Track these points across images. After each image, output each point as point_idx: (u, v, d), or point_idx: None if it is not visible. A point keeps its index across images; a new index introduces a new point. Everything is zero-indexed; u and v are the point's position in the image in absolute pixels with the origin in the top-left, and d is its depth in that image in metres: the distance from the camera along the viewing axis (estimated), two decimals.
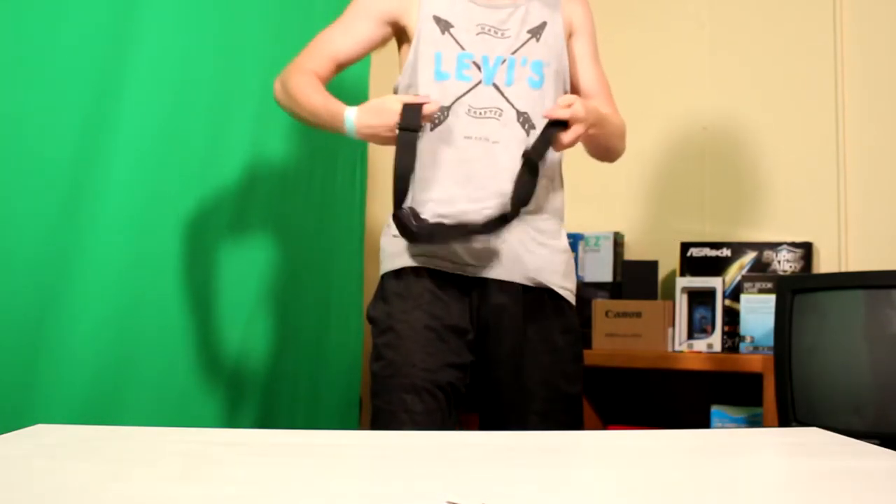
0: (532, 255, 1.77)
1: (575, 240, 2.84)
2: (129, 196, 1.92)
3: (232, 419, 2.22)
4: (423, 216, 1.70)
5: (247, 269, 2.27)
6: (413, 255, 1.75)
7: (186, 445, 1.18)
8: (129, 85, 1.91)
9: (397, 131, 1.65)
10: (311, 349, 2.54)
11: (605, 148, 1.85)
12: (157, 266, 2.00)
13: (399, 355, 1.70)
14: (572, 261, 1.88)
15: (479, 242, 1.73)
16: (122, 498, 0.86)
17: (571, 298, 1.84)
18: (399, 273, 1.76)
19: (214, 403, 2.18)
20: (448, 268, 1.74)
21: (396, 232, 1.74)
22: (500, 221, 1.69)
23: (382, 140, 1.69)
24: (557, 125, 1.67)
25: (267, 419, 2.33)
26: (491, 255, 1.74)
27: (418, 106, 1.65)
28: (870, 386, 2.06)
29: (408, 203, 1.71)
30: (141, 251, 1.96)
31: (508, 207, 1.69)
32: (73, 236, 1.80)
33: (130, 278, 1.93)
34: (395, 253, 1.78)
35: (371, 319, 1.79)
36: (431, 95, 1.73)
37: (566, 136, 1.66)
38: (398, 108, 1.65)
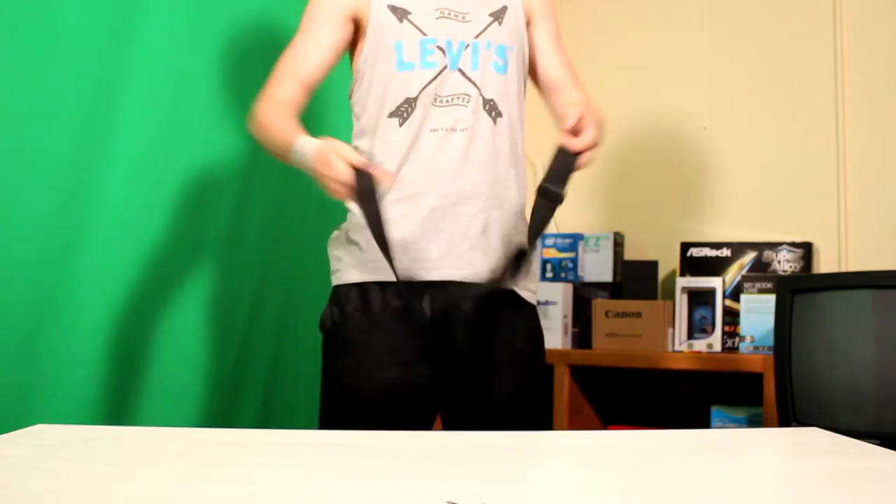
0: (496, 252, 1.66)
1: (575, 240, 2.84)
2: (129, 195, 1.92)
3: (232, 419, 2.22)
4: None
5: (247, 268, 2.27)
6: (372, 270, 1.65)
7: (186, 445, 1.18)
8: (130, 84, 1.91)
9: (353, 194, 1.49)
10: (311, 349, 2.53)
11: None
12: (157, 265, 2.00)
13: (361, 383, 1.62)
14: (533, 260, 1.77)
15: (446, 243, 1.64)
16: (122, 498, 0.86)
17: (534, 300, 1.74)
18: (356, 286, 1.67)
19: (214, 403, 2.18)
20: (410, 275, 1.62)
21: (353, 238, 1.67)
22: (515, 265, 1.58)
23: (331, 192, 1.50)
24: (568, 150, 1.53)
25: (267, 419, 2.33)
26: (457, 245, 1.64)
27: (369, 175, 1.47)
28: (870, 386, 2.06)
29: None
30: (141, 251, 1.96)
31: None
32: (73, 236, 1.81)
33: (130, 278, 1.93)
34: (351, 264, 1.68)
35: (326, 332, 1.69)
36: (395, 87, 1.65)
37: (585, 158, 1.56)
38: (345, 167, 1.47)
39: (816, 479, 0.99)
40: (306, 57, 1.71)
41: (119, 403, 1.91)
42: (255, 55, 2.28)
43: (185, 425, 2.03)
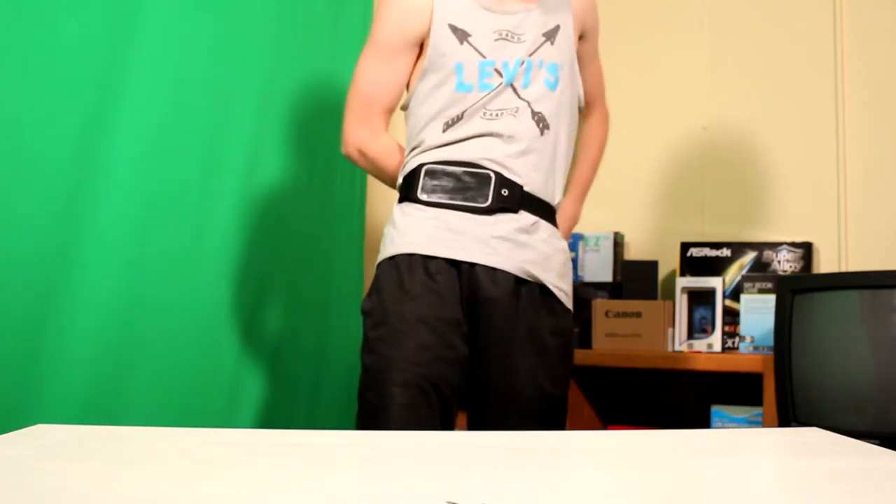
0: (529, 247, 1.75)
1: (575, 240, 2.84)
2: (129, 196, 1.92)
3: (232, 419, 2.22)
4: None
5: (247, 269, 2.27)
6: (406, 242, 1.73)
7: (186, 445, 1.18)
8: (130, 85, 1.91)
9: None
10: (311, 349, 2.53)
11: None
12: (158, 266, 2.00)
13: (391, 349, 1.69)
14: (570, 263, 1.86)
15: (479, 226, 1.72)
16: (122, 498, 0.86)
17: (566, 301, 1.81)
18: (392, 261, 1.74)
19: (214, 403, 2.18)
20: (441, 252, 1.72)
21: (397, 222, 1.75)
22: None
23: None
24: None
25: (267, 419, 2.33)
26: (487, 242, 1.72)
27: None
28: (870, 386, 2.06)
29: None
30: (141, 251, 1.96)
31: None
32: (73, 236, 1.81)
33: (130, 278, 1.93)
34: (390, 242, 1.76)
35: (365, 313, 1.76)
36: (451, 106, 1.74)
37: None
38: None
39: (816, 479, 0.99)
40: (388, 87, 1.81)
41: (119, 403, 1.91)
42: (255, 55, 2.28)
43: (185, 425, 2.03)
